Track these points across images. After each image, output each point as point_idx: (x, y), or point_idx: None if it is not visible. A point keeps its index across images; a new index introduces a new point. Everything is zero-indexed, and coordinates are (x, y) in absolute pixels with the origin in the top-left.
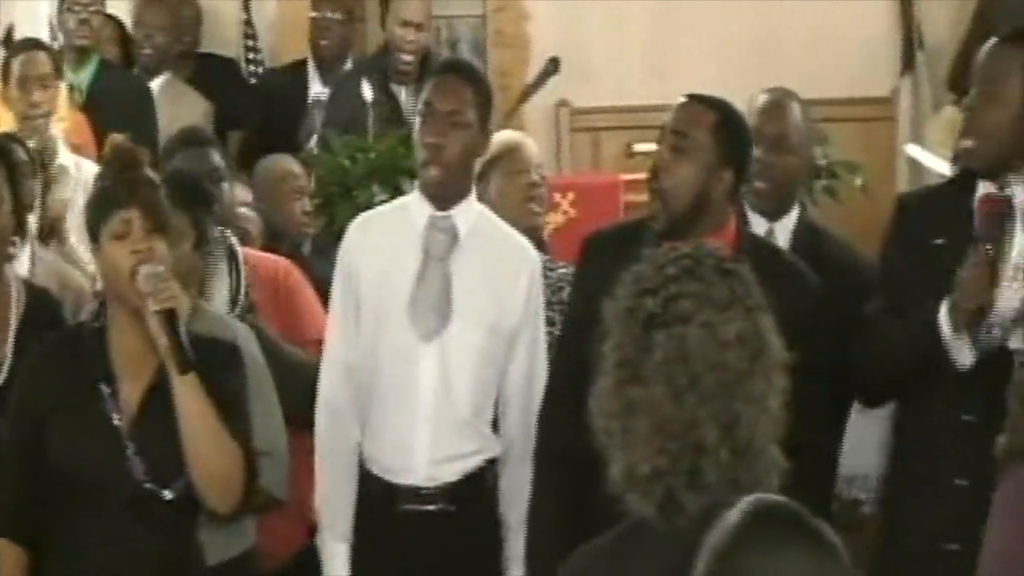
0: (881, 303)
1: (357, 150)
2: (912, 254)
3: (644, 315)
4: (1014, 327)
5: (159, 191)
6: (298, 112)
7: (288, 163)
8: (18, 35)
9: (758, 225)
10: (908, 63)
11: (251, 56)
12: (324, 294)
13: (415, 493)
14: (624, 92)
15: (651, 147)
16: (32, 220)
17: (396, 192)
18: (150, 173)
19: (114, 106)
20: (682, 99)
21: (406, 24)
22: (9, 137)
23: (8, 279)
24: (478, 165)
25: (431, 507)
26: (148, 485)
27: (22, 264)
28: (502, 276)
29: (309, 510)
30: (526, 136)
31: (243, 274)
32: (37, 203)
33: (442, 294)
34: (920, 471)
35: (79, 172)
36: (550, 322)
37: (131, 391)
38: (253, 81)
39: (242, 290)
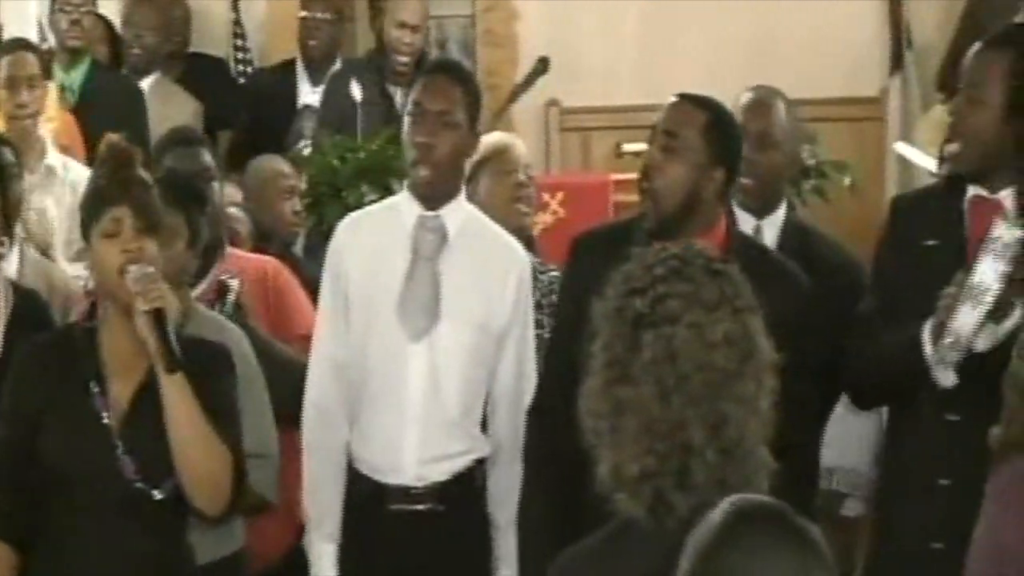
0: (874, 303)
1: (347, 150)
2: (904, 255)
3: (632, 315)
4: (968, 344)
5: (151, 191)
6: (287, 112)
7: (278, 163)
8: (6, 35)
9: (745, 222)
10: (897, 63)
11: (240, 56)
12: (315, 294)
13: (404, 493)
14: (613, 92)
15: (641, 147)
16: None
17: (386, 192)
18: (143, 173)
19: (106, 107)
20: (673, 99)
21: (403, 26)
22: None
23: None
24: (467, 165)
25: (420, 507)
26: (138, 484)
27: (10, 265)
28: (491, 276)
29: (298, 509)
30: (515, 137)
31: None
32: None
33: (431, 294)
34: (908, 470)
35: (66, 173)
36: (540, 325)
37: (122, 390)
38: (242, 81)
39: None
